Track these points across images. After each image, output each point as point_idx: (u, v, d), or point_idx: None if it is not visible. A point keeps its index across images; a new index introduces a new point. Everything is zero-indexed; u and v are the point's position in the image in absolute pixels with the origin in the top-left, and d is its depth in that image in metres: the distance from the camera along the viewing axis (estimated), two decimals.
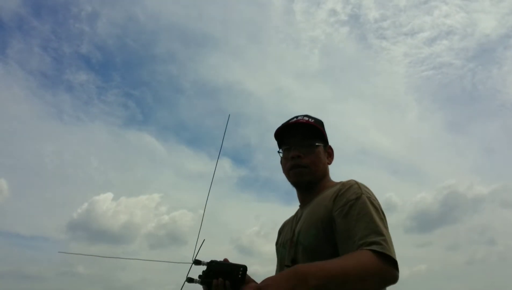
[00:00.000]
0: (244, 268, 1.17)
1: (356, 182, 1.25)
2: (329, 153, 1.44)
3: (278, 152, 1.44)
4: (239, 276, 1.15)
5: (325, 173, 1.41)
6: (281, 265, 1.37)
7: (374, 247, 1.04)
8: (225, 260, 1.21)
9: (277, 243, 1.49)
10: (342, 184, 1.28)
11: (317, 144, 1.37)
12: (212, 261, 1.20)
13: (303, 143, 1.37)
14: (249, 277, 1.21)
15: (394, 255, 1.06)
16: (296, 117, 1.41)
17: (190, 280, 1.18)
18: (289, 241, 1.33)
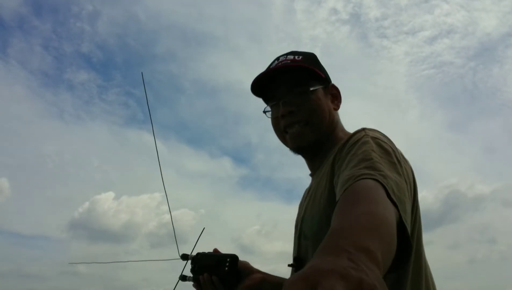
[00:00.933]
0: (232, 257, 1.01)
1: (365, 128, 0.91)
2: (334, 95, 1.06)
3: (264, 112, 1.06)
4: (226, 268, 0.99)
5: (333, 122, 1.02)
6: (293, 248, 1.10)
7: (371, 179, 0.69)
8: (215, 251, 1.05)
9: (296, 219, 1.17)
10: (349, 136, 0.92)
11: (312, 88, 0.99)
12: (198, 254, 1.05)
13: (294, 93, 0.99)
14: (252, 267, 1.06)
15: (397, 197, 0.67)
16: (278, 58, 1.04)
17: (183, 278, 1.05)
18: (298, 227, 1.05)
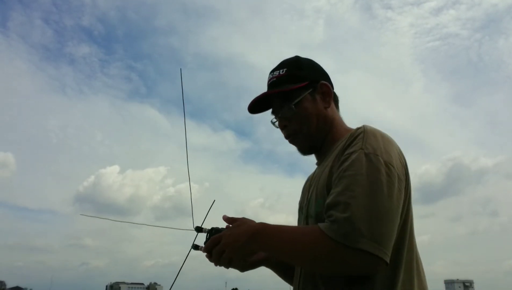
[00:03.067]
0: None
1: (365, 130, 1.01)
2: (324, 92, 1.16)
3: (272, 122, 1.22)
4: None
5: (327, 122, 1.15)
6: None
7: (322, 225, 0.88)
8: (227, 227, 1.09)
9: (299, 204, 1.29)
10: (350, 134, 1.05)
11: (296, 101, 1.12)
12: (212, 228, 1.11)
13: (283, 109, 1.15)
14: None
15: (355, 240, 0.82)
16: (271, 73, 1.20)
17: (196, 247, 1.11)
18: (304, 209, 1.16)
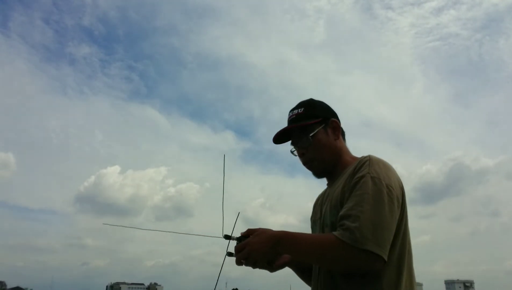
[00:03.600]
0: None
1: (370, 159, 1.28)
2: (334, 127, 1.44)
3: (291, 151, 1.50)
4: None
5: (336, 152, 1.43)
6: None
7: (336, 233, 1.15)
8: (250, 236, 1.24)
9: (311, 218, 1.57)
10: (358, 161, 1.32)
11: (311, 134, 1.40)
12: (241, 237, 1.24)
13: (302, 139, 1.42)
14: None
15: (363, 243, 1.10)
16: (290, 112, 1.48)
17: (230, 254, 1.23)
18: (318, 221, 1.43)
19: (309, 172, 1.49)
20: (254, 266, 1.22)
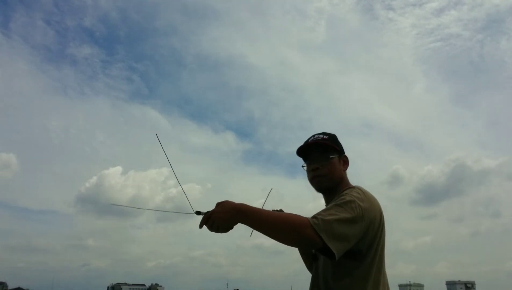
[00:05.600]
0: None
1: (356, 186, 1.60)
2: (344, 161, 1.72)
3: (302, 166, 1.74)
4: None
5: (341, 178, 1.68)
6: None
7: (309, 218, 1.40)
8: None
9: None
10: (348, 187, 1.60)
11: (331, 156, 1.65)
12: (208, 211, 1.43)
13: (321, 157, 1.66)
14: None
15: (321, 231, 1.36)
16: (314, 136, 1.74)
17: (198, 213, 1.46)
18: None
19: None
20: (216, 231, 1.41)
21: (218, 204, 1.43)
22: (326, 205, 1.68)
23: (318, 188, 1.71)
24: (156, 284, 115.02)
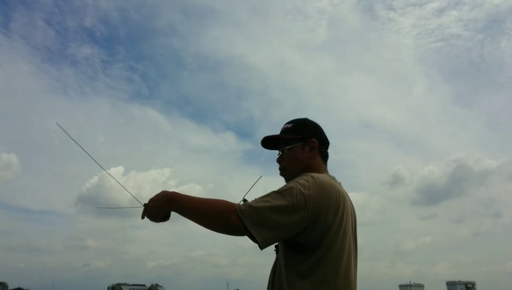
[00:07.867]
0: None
1: (307, 174, 1.44)
2: (311, 147, 1.60)
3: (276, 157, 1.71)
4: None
5: (307, 166, 1.58)
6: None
7: (236, 204, 1.38)
8: None
9: None
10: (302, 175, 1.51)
11: (287, 147, 1.61)
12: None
13: (281, 149, 1.65)
14: None
15: (244, 218, 1.31)
16: (284, 124, 1.68)
17: (145, 205, 1.47)
18: None
19: None
20: (154, 221, 1.46)
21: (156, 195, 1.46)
22: None
23: (286, 181, 1.60)
24: (157, 285, 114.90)
